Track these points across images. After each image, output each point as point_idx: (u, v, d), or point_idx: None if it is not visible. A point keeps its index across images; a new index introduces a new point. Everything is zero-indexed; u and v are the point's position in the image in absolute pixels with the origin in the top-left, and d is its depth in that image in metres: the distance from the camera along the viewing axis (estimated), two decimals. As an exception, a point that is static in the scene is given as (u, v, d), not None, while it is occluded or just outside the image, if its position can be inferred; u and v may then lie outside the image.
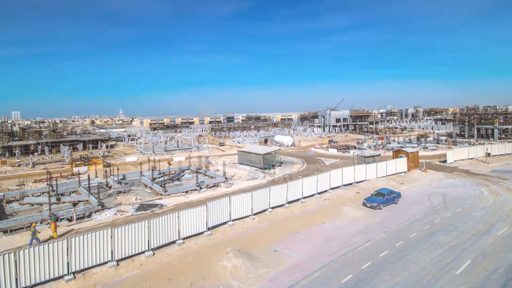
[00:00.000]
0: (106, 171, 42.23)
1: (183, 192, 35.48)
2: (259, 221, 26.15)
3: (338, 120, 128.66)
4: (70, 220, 27.00)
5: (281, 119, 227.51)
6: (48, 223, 25.41)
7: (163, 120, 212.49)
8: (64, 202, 31.76)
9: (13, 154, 68.64)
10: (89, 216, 28.07)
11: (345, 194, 33.89)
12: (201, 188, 36.75)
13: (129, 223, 20.19)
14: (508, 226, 23.88)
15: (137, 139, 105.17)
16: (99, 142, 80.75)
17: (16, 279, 16.05)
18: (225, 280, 17.28)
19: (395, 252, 20.01)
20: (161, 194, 34.49)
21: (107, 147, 78.74)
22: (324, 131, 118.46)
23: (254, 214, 27.10)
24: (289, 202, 30.30)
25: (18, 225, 25.50)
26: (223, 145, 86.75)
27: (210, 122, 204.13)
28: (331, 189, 34.90)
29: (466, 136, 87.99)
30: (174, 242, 21.73)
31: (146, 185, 39.27)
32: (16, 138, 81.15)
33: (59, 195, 33.90)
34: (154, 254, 20.32)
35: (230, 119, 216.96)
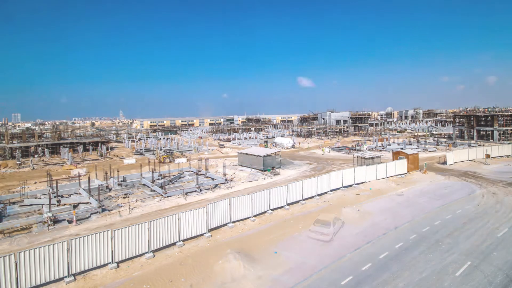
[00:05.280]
0: (106, 173, 42.28)
1: (183, 193, 35.48)
2: (259, 223, 26.18)
3: (338, 122, 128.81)
4: (70, 222, 27.00)
5: (281, 120, 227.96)
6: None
7: (163, 122, 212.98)
8: (64, 204, 31.79)
9: (13, 156, 68.71)
10: (89, 217, 28.11)
11: (345, 195, 33.93)
12: (201, 190, 36.79)
13: (129, 225, 20.23)
14: (508, 227, 23.90)
15: (137, 141, 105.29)
16: (99, 144, 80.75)
17: (17, 281, 16.07)
18: (225, 282, 17.29)
19: (394, 255, 20.04)
20: (162, 196, 34.52)
21: (107, 149, 78.77)
22: (324, 132, 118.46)
23: (254, 216, 27.13)
24: (289, 204, 30.33)
25: (18, 227, 25.54)
26: (223, 147, 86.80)
27: (210, 124, 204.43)
28: (331, 190, 34.94)
29: (466, 137, 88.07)
30: (174, 244, 21.76)
31: (146, 187, 39.31)
32: (17, 140, 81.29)
33: (60, 197, 33.93)
34: (154, 256, 20.34)
35: (230, 121, 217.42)
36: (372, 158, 46.27)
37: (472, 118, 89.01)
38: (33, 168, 56.91)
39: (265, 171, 47.79)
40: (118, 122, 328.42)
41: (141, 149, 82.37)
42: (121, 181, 41.46)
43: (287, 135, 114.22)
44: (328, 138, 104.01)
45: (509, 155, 57.49)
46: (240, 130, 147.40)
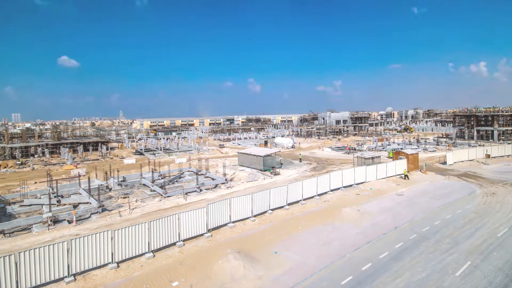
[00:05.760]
0: (106, 173, 42.31)
1: (183, 193, 35.48)
2: (259, 223, 26.19)
3: (338, 122, 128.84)
4: (70, 222, 27.01)
5: (281, 120, 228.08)
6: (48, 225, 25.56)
7: (163, 122, 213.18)
8: (64, 204, 31.80)
9: (13, 156, 68.73)
10: (89, 217, 28.12)
11: (345, 195, 33.94)
12: (201, 190, 36.80)
13: (129, 225, 20.24)
14: (508, 227, 23.91)
15: (137, 141, 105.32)
16: (100, 144, 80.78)
17: (17, 281, 16.06)
18: (225, 282, 17.30)
19: (394, 255, 20.04)
20: (162, 196, 34.53)
21: (107, 149, 78.81)
22: (324, 133, 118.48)
23: (254, 216, 27.13)
24: (289, 204, 30.34)
25: (19, 227, 25.56)
26: (223, 147, 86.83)
27: (210, 124, 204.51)
28: (331, 190, 34.95)
29: (466, 137, 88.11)
30: (174, 244, 21.76)
31: (146, 187, 39.32)
32: (17, 140, 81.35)
33: (60, 197, 33.95)
34: (154, 256, 20.34)
35: (230, 121, 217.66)
36: (372, 158, 46.30)
37: (472, 118, 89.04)
38: (33, 168, 56.92)
39: (265, 171, 47.81)
40: (118, 122, 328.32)
41: (141, 149, 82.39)
42: (121, 181, 41.47)
43: (287, 135, 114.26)
44: (328, 138, 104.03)
45: (509, 155, 57.50)
46: (240, 130, 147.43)
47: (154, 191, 36.70)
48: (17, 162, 61.09)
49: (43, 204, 31.55)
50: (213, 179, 42.26)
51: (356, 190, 36.19)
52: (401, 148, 64.39)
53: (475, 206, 29.46)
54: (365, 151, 67.05)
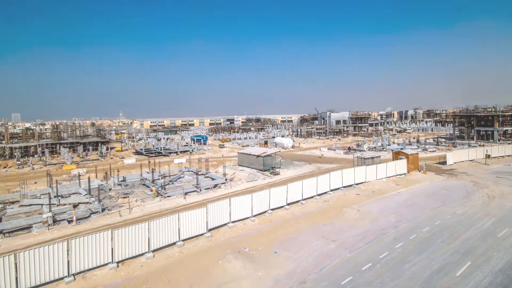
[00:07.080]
0: (106, 173, 42.29)
1: (183, 193, 35.47)
2: (259, 223, 26.18)
3: (338, 122, 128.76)
4: (70, 222, 26.99)
5: (281, 120, 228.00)
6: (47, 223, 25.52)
7: (163, 122, 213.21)
8: (64, 204, 31.77)
9: (13, 156, 68.69)
10: (89, 217, 28.10)
11: (345, 195, 33.92)
12: (201, 190, 36.79)
13: (129, 225, 20.23)
14: (508, 227, 23.90)
15: (137, 141, 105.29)
16: (99, 144, 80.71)
17: (16, 281, 16.06)
18: (225, 282, 17.30)
19: (394, 255, 20.04)
20: (162, 196, 34.51)
21: (107, 149, 78.75)
22: (324, 133, 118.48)
23: (254, 216, 27.12)
24: (289, 204, 30.33)
25: (19, 227, 25.54)
26: (223, 147, 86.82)
27: (210, 124, 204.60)
28: (331, 190, 34.93)
29: (466, 137, 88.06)
30: (174, 243, 21.76)
31: (146, 187, 39.30)
32: (17, 140, 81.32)
33: (59, 197, 33.91)
34: (154, 255, 20.34)
35: (230, 121, 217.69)
36: (372, 158, 46.25)
37: (472, 118, 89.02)
38: (33, 168, 56.88)
39: (265, 171, 47.78)
40: (118, 122, 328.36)
41: (141, 149, 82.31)
42: (121, 181, 41.43)
43: (287, 135, 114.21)
44: (328, 138, 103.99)
45: (509, 155, 57.49)
46: (240, 130, 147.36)
47: (154, 191, 36.64)
48: (17, 162, 60.98)
49: (43, 204, 31.51)
50: (213, 179, 42.24)
51: (356, 190, 36.17)
52: (401, 148, 64.33)
53: (475, 206, 29.45)
54: (365, 151, 67.02)
